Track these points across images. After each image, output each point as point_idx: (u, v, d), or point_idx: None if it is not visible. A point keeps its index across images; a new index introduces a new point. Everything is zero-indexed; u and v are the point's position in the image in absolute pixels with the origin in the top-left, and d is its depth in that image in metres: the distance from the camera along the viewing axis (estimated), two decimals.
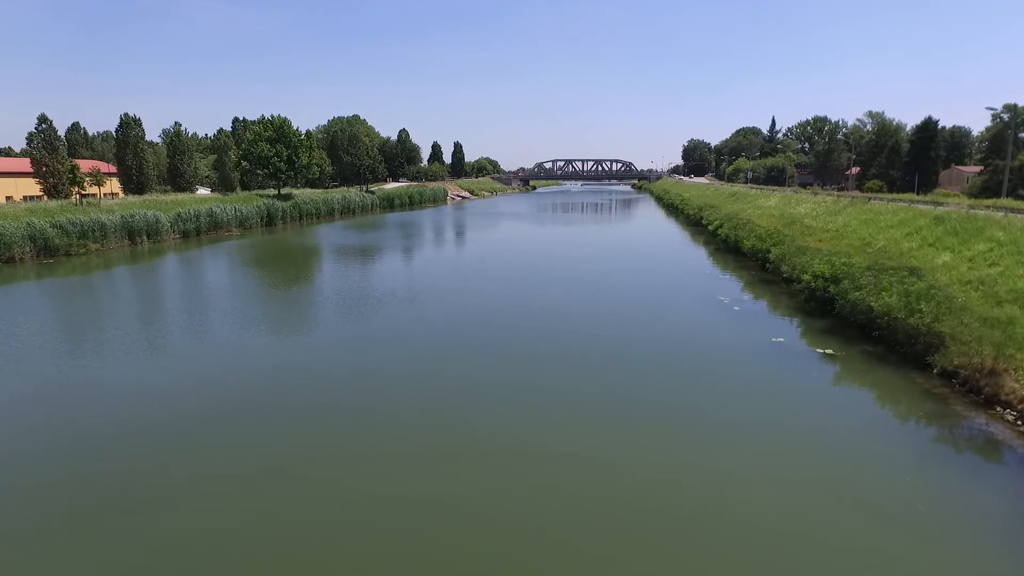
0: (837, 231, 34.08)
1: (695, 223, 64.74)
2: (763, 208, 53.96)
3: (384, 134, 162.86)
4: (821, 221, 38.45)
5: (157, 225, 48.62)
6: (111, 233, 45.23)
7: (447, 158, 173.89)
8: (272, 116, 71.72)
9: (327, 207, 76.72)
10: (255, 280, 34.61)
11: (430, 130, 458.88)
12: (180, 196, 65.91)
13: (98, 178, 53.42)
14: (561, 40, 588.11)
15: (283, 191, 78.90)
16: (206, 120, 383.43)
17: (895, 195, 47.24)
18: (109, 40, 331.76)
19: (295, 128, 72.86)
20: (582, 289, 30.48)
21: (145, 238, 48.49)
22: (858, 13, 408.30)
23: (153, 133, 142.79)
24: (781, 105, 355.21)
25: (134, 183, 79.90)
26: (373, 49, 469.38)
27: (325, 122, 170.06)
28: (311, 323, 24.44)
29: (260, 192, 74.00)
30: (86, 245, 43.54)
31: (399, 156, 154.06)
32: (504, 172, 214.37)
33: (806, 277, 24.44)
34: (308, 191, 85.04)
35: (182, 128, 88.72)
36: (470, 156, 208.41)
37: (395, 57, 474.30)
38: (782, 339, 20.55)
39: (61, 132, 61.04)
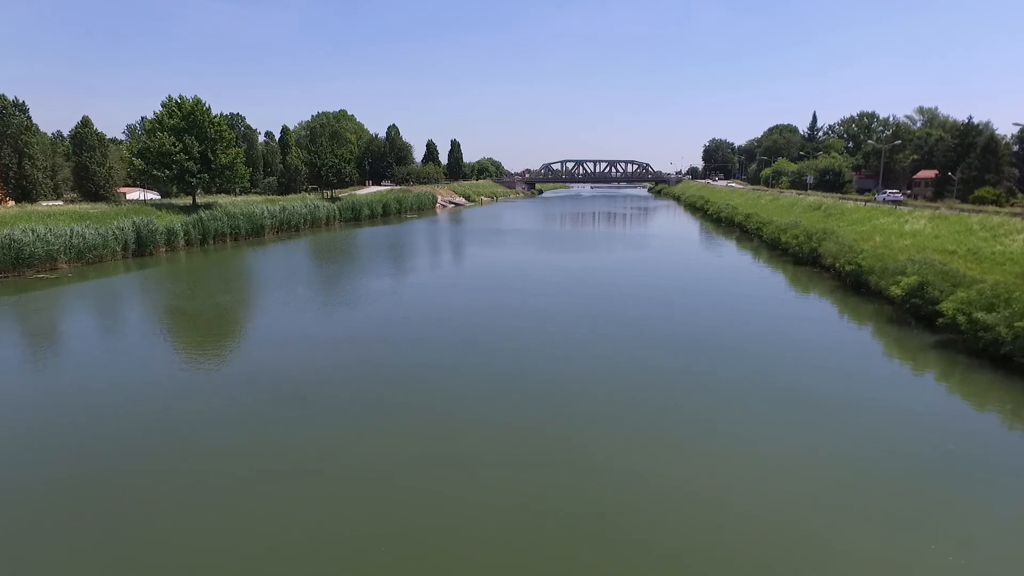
0: None
1: (804, 260, 38.88)
2: (908, 235, 33.54)
3: (379, 133, 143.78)
4: None
5: None
6: None
7: (444, 158, 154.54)
8: (181, 97, 52.16)
9: (251, 224, 54.00)
10: None
11: (432, 131, 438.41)
12: (45, 207, 47.28)
13: None
14: (570, 39, 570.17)
15: (238, 196, 60.04)
16: None
17: None
18: (109, 41, 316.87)
19: (214, 116, 53.26)
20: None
21: None
22: (869, 13, 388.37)
23: None
24: (799, 105, 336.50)
25: (12, 186, 61.08)
26: (376, 51, 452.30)
27: (308, 118, 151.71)
28: None
29: (171, 201, 54.86)
30: None
31: (388, 155, 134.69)
32: (508, 174, 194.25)
33: None
34: (247, 199, 65.79)
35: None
36: (473, 157, 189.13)
37: (399, 58, 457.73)
38: None
39: None
